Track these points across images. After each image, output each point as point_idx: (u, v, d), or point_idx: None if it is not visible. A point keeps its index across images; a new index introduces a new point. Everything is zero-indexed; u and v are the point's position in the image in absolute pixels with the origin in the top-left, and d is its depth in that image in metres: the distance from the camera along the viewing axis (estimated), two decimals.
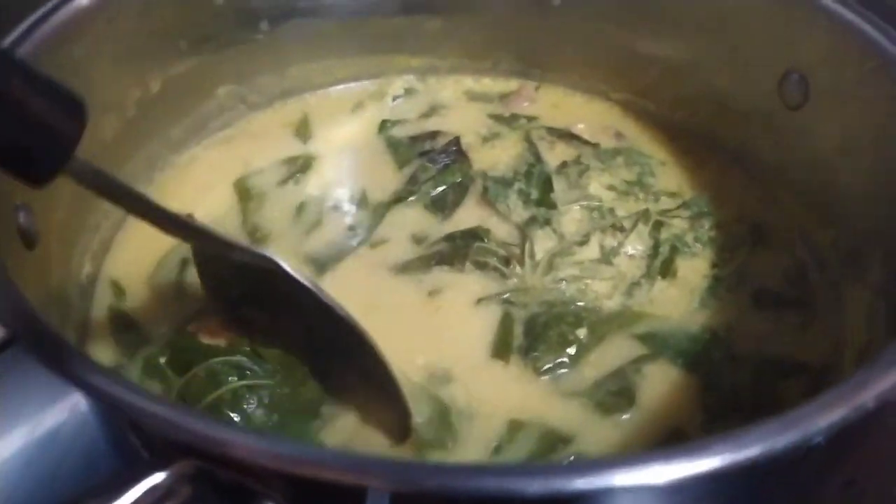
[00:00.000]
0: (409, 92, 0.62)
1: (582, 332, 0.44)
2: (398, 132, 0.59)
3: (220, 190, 0.54)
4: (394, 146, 0.58)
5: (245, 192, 0.54)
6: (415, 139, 0.58)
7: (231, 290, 0.44)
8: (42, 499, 0.28)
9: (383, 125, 0.59)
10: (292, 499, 0.26)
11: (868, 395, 0.26)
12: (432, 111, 0.61)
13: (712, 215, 0.52)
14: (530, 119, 0.61)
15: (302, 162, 0.56)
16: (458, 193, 0.54)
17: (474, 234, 0.50)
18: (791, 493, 0.30)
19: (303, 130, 0.59)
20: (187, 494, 0.27)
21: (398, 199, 0.54)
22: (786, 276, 0.48)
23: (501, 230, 0.51)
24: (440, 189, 0.54)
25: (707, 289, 0.48)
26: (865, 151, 0.44)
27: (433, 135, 0.59)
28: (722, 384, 0.42)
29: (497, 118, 0.61)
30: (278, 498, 0.26)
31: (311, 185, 0.55)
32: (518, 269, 0.48)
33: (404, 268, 0.49)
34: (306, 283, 0.40)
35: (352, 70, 0.62)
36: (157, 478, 0.26)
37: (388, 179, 0.55)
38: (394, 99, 0.62)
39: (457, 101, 0.62)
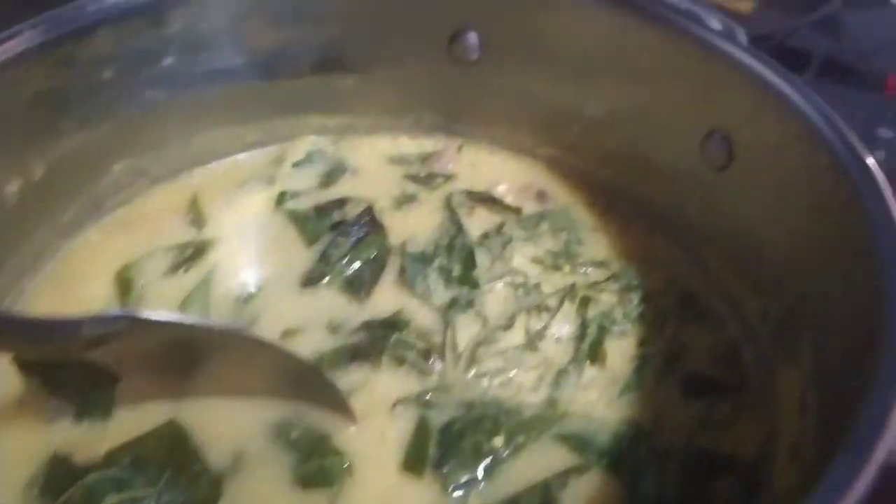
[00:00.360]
0: (311, 156, 0.58)
1: (499, 441, 0.41)
2: (300, 204, 0.55)
3: (102, 281, 0.49)
4: (300, 220, 0.54)
5: (125, 285, 0.49)
6: (321, 209, 0.54)
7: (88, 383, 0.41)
8: None
9: (281, 197, 0.55)
10: None
11: None
12: (338, 175, 0.57)
13: (641, 287, 0.50)
14: (447, 178, 0.58)
15: (195, 247, 0.51)
16: (374, 270, 0.51)
17: (392, 325, 0.47)
18: None
19: (198, 209, 0.54)
20: None
21: (310, 280, 0.50)
22: (716, 354, 0.46)
23: (422, 315, 0.48)
24: (355, 266, 0.51)
25: (634, 372, 0.45)
26: (790, 220, 0.42)
27: (341, 203, 0.55)
28: (648, 486, 0.39)
29: (412, 178, 0.58)
30: None
31: (206, 274, 0.50)
32: (439, 363, 0.45)
33: (317, 363, 0.45)
34: (173, 318, 0.38)
35: (263, 133, 0.58)
36: None
37: (297, 259, 0.51)
38: (294, 165, 0.57)
39: (368, 163, 0.59)
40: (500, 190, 0.56)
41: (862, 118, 0.83)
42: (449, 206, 0.56)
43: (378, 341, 0.46)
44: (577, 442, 0.41)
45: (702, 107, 0.46)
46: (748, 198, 0.45)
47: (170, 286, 0.49)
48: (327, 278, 0.50)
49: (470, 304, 0.49)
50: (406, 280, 0.50)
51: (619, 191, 0.55)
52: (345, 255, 0.51)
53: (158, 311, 0.37)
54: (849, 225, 0.36)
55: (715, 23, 0.50)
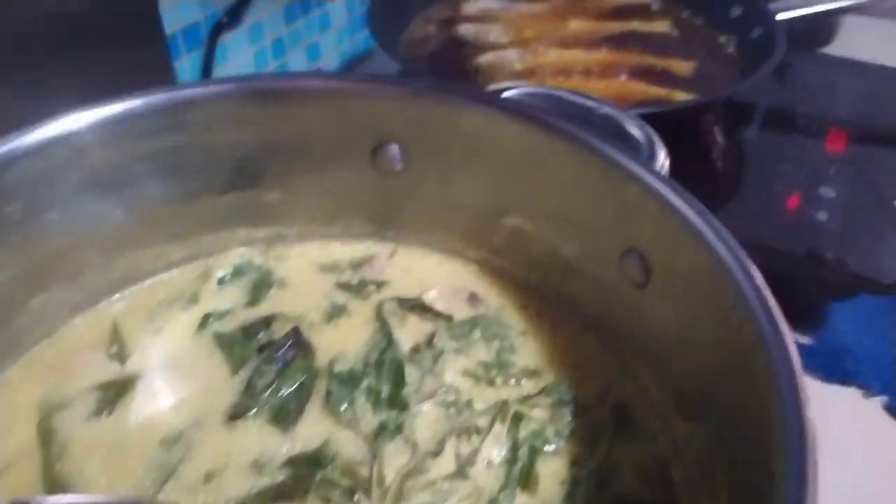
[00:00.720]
0: (239, 269, 0.57)
1: None
2: (226, 325, 0.54)
3: (25, 429, 0.47)
4: (226, 345, 0.52)
5: (47, 435, 0.46)
6: (248, 330, 0.53)
7: None
8: None
9: (205, 321, 0.54)
10: None
11: None
12: (266, 289, 0.57)
13: (574, 401, 0.49)
14: (379, 285, 0.57)
15: (118, 386, 0.49)
16: (301, 399, 0.49)
17: (318, 460, 0.45)
18: None
19: (120, 340, 0.52)
20: None
21: (235, 415, 0.48)
22: (647, 471, 0.45)
23: (349, 446, 0.47)
24: (282, 395, 0.49)
25: (565, 498, 0.44)
26: (703, 351, 0.41)
27: (268, 321, 0.54)
28: None
29: (343, 287, 0.57)
30: None
31: (130, 415, 0.48)
32: (365, 501, 0.44)
33: None
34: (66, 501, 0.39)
35: (188, 251, 0.57)
36: None
37: (222, 390, 0.50)
38: (220, 282, 0.56)
39: (297, 273, 0.58)
40: (431, 296, 0.56)
41: (805, 176, 0.85)
42: (380, 317, 0.55)
43: (303, 479, 0.45)
44: None
45: (618, 225, 0.46)
46: (666, 320, 0.45)
47: (94, 433, 0.47)
48: (253, 411, 0.48)
49: (399, 429, 0.48)
50: (332, 406, 0.49)
51: (550, 294, 0.55)
52: (271, 384, 0.50)
53: (51, 497, 0.36)
54: (753, 369, 0.35)
55: (635, 130, 0.51)
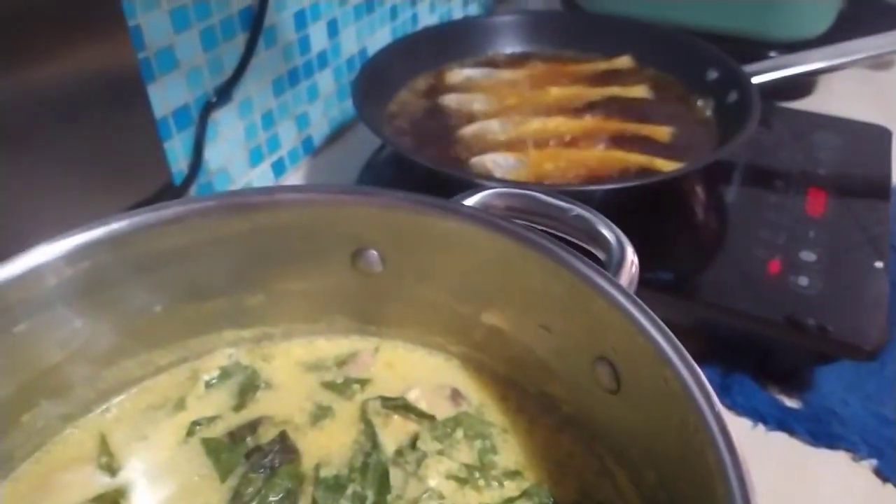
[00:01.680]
0: (225, 371, 0.59)
1: None
2: (214, 430, 0.55)
3: None
4: (213, 451, 0.53)
5: None
6: (235, 435, 0.54)
7: None
8: None
9: (192, 428, 0.55)
10: None
11: None
12: (253, 391, 0.58)
13: None
14: (363, 383, 0.59)
15: (110, 499, 0.50)
16: None
17: None
18: None
19: (109, 452, 0.53)
20: None
21: None
22: None
23: None
24: (269, 502, 0.51)
25: None
26: (670, 464, 0.42)
27: (254, 426, 0.55)
28: None
29: (328, 386, 0.58)
30: None
31: None
32: None
33: None
34: None
35: (175, 355, 0.58)
36: None
37: (211, 500, 0.51)
38: (207, 386, 0.57)
39: (283, 374, 0.59)
40: (414, 395, 0.57)
41: (784, 241, 0.86)
42: (364, 418, 0.56)
43: None
44: None
45: (588, 334, 0.48)
46: (638, 429, 0.46)
47: None
48: None
49: None
50: None
51: (529, 389, 0.56)
52: (258, 492, 0.51)
53: None
54: (716, 494, 0.36)
55: (606, 231, 0.52)
